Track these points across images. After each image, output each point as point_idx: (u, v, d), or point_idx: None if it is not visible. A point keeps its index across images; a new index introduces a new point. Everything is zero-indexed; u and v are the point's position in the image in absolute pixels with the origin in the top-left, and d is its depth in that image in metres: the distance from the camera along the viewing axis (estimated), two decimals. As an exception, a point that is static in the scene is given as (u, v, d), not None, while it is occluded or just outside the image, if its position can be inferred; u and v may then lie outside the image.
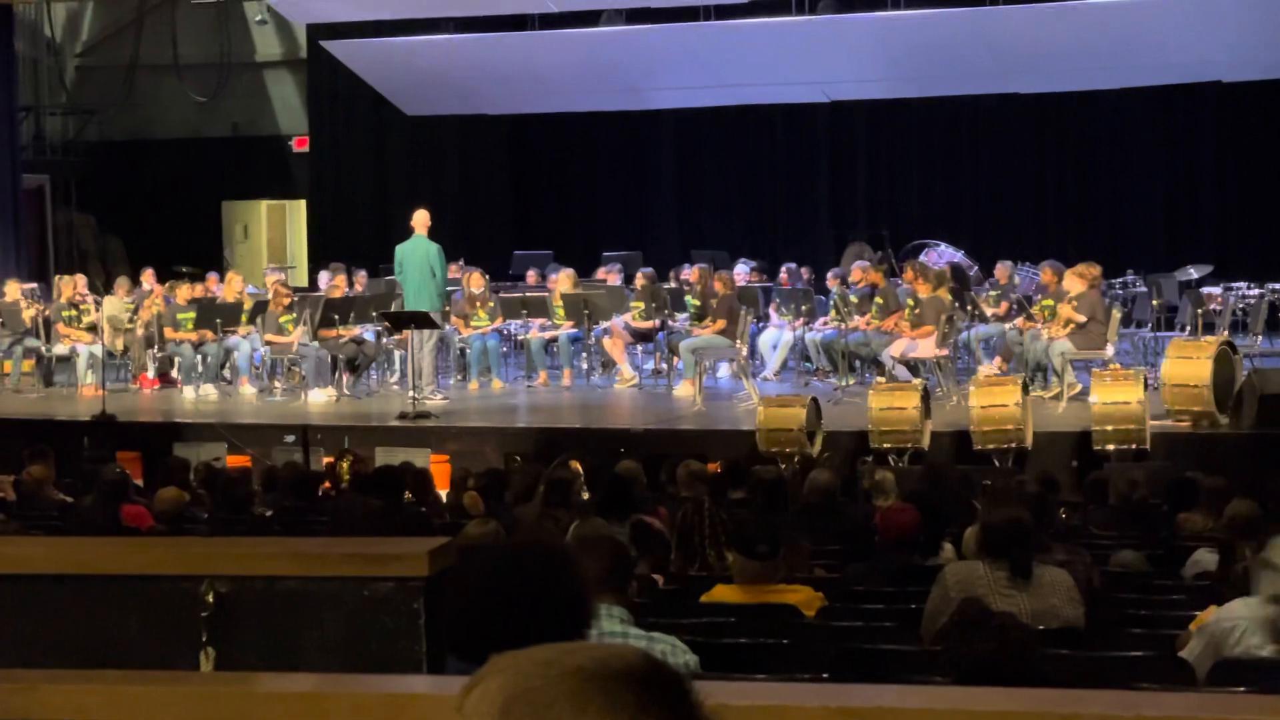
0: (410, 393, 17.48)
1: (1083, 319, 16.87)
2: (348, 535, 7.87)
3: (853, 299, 19.03)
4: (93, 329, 20.17)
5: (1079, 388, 16.57)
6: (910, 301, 18.17)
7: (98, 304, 20.62)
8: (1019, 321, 18.29)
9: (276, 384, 19.79)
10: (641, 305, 19.84)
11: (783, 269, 21.56)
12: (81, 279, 21.53)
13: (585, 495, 11.61)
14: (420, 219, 18.20)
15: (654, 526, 9.01)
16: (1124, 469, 13.10)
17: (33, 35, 26.50)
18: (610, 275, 21.79)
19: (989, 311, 19.11)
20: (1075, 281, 17.21)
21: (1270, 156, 23.43)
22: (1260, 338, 19.15)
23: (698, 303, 19.37)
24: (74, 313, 20.35)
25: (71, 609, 3.74)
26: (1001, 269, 20.25)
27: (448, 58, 23.98)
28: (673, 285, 21.16)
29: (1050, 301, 17.96)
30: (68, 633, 3.72)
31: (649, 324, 19.75)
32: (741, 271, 21.11)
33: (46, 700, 2.96)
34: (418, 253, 18.04)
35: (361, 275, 21.55)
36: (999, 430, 14.55)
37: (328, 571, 3.65)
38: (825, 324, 19.46)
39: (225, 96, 26.89)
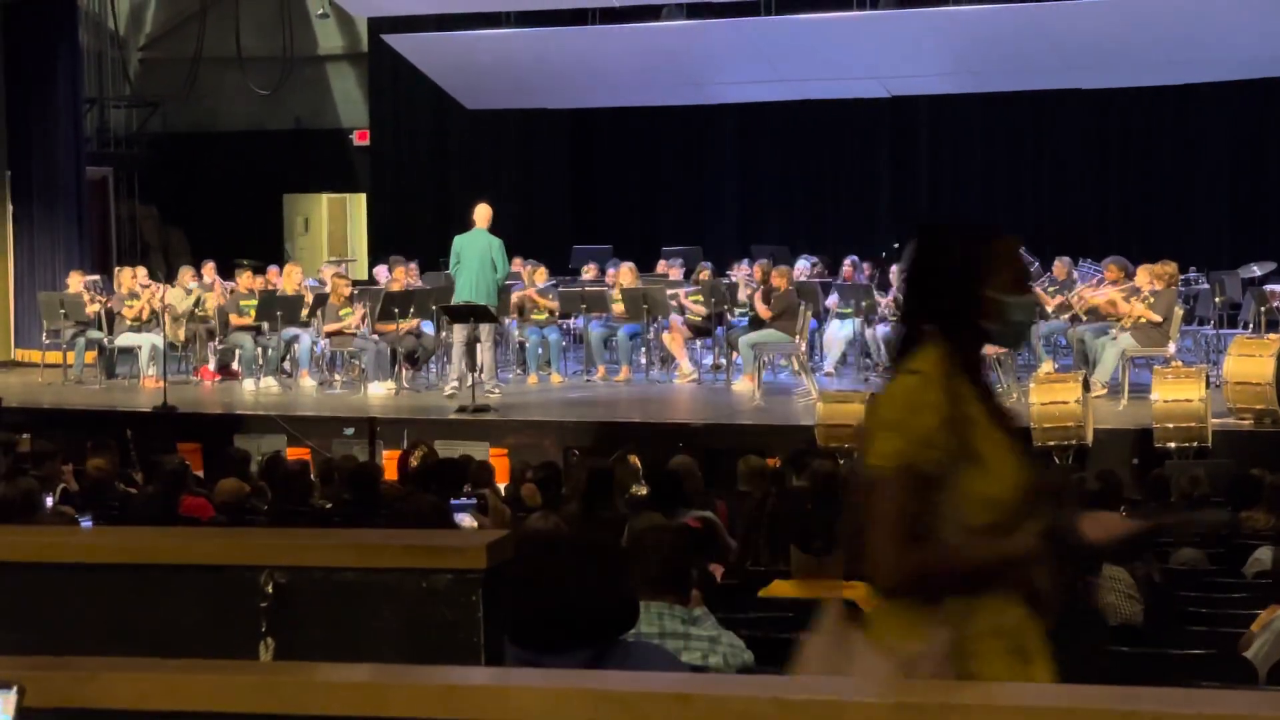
0: (450, 383, 17.68)
1: (1159, 318, 16.83)
2: (404, 527, 7.89)
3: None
4: (154, 317, 20.30)
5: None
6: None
7: (162, 298, 20.71)
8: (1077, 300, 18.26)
9: (336, 377, 19.88)
10: (700, 297, 19.91)
11: (846, 261, 21.47)
12: (142, 270, 21.68)
13: (644, 490, 11.63)
14: (482, 213, 18.24)
15: (691, 523, 9.01)
16: (1185, 466, 13.04)
17: (97, 28, 26.64)
18: (671, 269, 21.82)
19: (1049, 308, 19.04)
20: (1154, 280, 17.17)
21: (1336, 153, 23.30)
22: (1324, 335, 18.99)
23: (750, 295, 19.40)
24: (135, 303, 20.49)
25: (132, 598, 3.76)
26: (1060, 265, 20.11)
27: (508, 52, 24.00)
28: (733, 279, 21.12)
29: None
30: (128, 621, 3.74)
31: (703, 311, 19.78)
32: (803, 267, 21.07)
33: (107, 688, 2.98)
34: (478, 245, 18.06)
35: (413, 268, 21.49)
36: (1059, 427, 14.49)
37: (386, 563, 3.66)
38: (885, 306, 19.41)
39: (287, 90, 26.97)
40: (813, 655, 3.76)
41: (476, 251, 18.04)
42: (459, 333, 18.34)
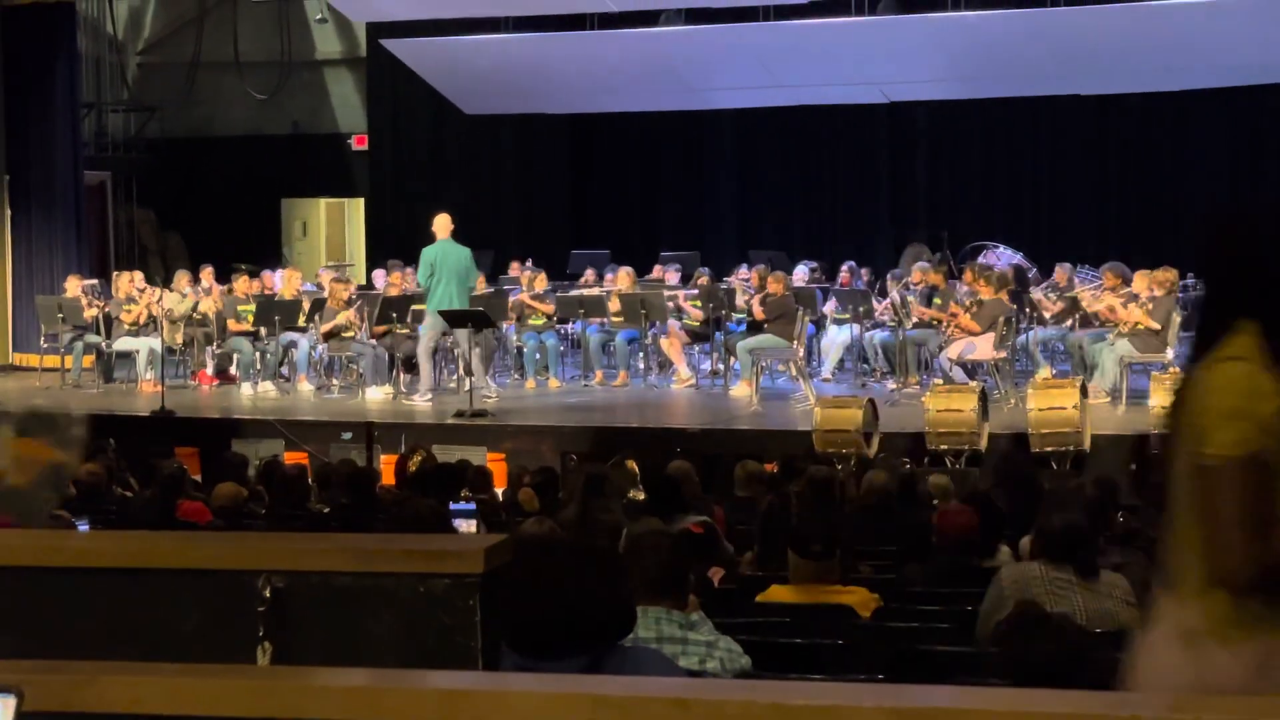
0: (424, 395, 18.03)
1: (1157, 325, 16.83)
2: (402, 532, 7.89)
3: (911, 300, 18.98)
4: (151, 321, 20.30)
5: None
6: (968, 303, 18.12)
7: (160, 302, 20.71)
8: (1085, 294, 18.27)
9: (334, 382, 19.87)
10: (699, 302, 19.90)
11: (844, 267, 21.48)
12: (139, 274, 21.67)
13: (641, 495, 11.62)
14: (445, 223, 18.14)
15: (693, 529, 9.02)
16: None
17: (95, 33, 26.64)
18: (668, 274, 21.80)
19: (1048, 314, 19.05)
20: (1154, 286, 17.18)
21: (1336, 159, 23.29)
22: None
23: (748, 301, 19.40)
24: (134, 307, 20.49)
25: (130, 602, 3.76)
26: (1060, 271, 20.14)
27: (506, 57, 24.00)
28: (730, 285, 21.11)
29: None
30: (126, 625, 3.74)
31: (701, 316, 19.77)
32: (802, 272, 21.07)
33: (105, 692, 2.98)
34: (453, 257, 17.96)
35: (409, 273, 21.43)
36: (1057, 433, 14.48)
37: (384, 567, 3.66)
38: (882, 312, 19.42)
39: (285, 94, 26.97)
40: (1154, 653, 3.67)
41: (453, 263, 17.92)
42: (425, 342, 18.35)
